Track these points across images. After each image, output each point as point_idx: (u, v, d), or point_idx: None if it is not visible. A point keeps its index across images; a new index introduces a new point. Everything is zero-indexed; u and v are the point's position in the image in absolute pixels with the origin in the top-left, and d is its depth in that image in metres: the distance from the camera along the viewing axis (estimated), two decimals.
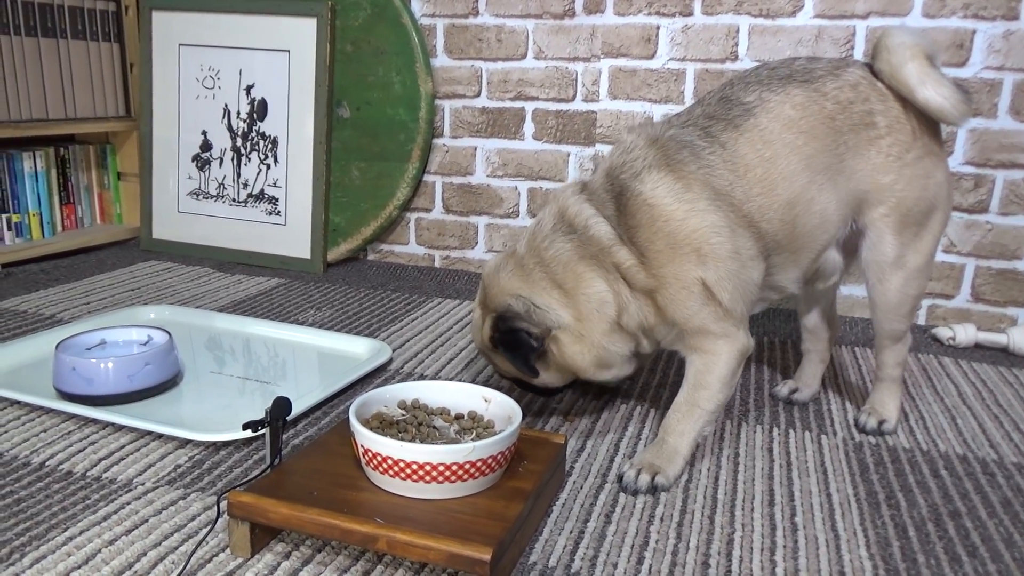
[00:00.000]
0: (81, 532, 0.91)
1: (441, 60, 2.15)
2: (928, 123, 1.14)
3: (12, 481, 1.02)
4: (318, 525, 0.83)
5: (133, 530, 0.92)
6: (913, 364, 1.58)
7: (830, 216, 1.12)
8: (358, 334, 1.64)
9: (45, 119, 2.22)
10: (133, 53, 2.40)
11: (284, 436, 1.16)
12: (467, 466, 0.88)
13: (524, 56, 2.07)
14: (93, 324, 1.57)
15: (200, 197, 2.31)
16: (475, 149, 2.18)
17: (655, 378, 1.46)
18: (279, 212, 2.22)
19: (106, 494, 0.99)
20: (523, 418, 0.98)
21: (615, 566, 0.89)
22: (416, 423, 1.00)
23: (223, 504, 0.96)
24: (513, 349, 1.10)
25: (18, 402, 1.24)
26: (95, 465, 1.06)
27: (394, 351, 1.56)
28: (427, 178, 2.24)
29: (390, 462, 0.87)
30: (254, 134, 2.22)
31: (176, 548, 0.89)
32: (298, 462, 0.96)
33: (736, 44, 1.88)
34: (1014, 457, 1.19)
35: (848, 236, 1.18)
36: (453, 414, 1.04)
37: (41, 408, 1.23)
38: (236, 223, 2.27)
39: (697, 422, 1.10)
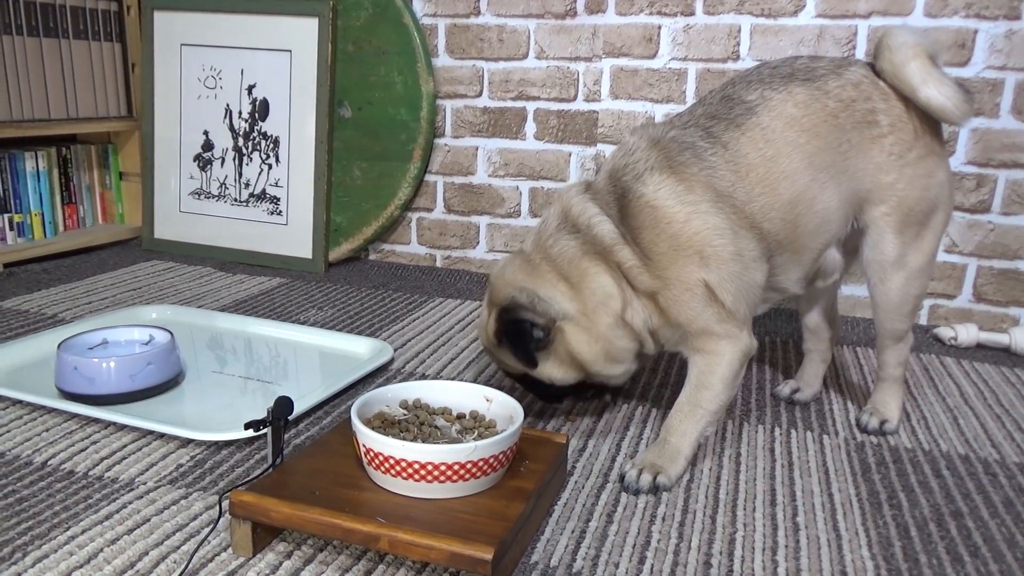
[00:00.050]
0: (83, 531, 0.91)
1: (442, 60, 2.15)
2: (930, 123, 1.14)
3: (14, 480, 1.02)
4: (320, 524, 0.83)
5: (135, 529, 0.92)
6: (915, 364, 1.58)
7: (832, 215, 1.12)
8: (359, 334, 1.65)
9: (47, 119, 2.22)
10: (135, 53, 2.40)
11: (286, 436, 1.17)
12: (469, 466, 0.88)
13: (526, 56, 2.07)
14: (95, 324, 1.57)
15: (202, 197, 2.31)
16: (476, 149, 2.18)
17: (656, 378, 1.46)
18: (281, 212, 2.22)
19: (108, 493, 0.99)
20: (525, 418, 0.98)
21: (617, 566, 0.89)
22: (418, 423, 1.00)
23: (225, 503, 0.96)
24: (515, 339, 1.10)
25: (20, 401, 1.25)
26: (97, 464, 1.07)
27: (395, 351, 1.56)
28: (428, 178, 2.24)
29: (392, 462, 0.87)
30: (256, 134, 2.22)
31: (178, 547, 0.89)
32: (300, 462, 0.96)
33: (738, 44, 1.88)
34: (1016, 457, 1.19)
35: (849, 235, 1.18)
36: (455, 414, 1.04)
37: (43, 407, 1.23)
38: (238, 223, 2.27)
39: (699, 423, 1.10)
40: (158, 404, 1.25)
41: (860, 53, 1.80)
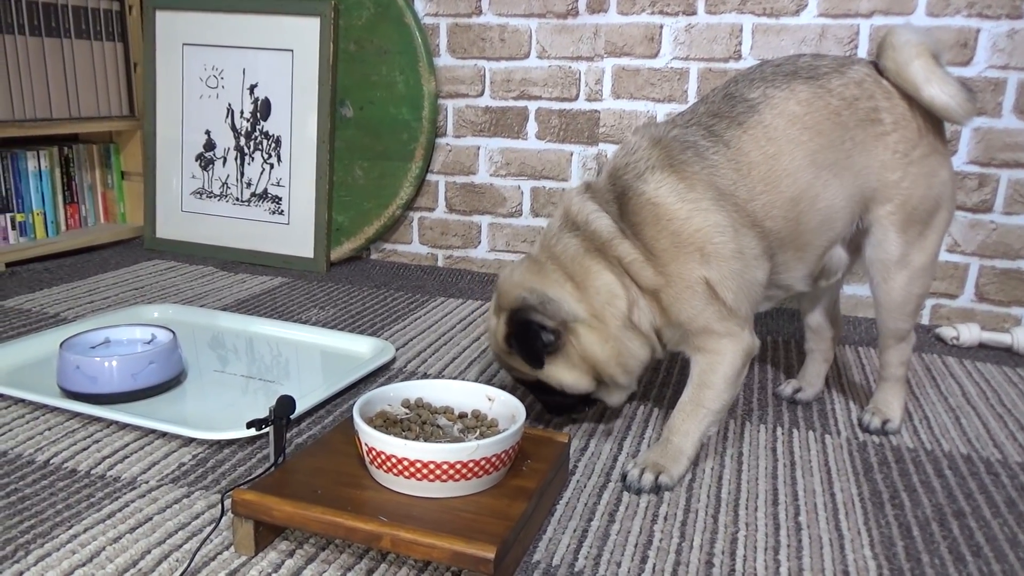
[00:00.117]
0: (85, 530, 0.91)
1: (444, 59, 2.15)
2: (933, 121, 1.14)
3: (17, 479, 1.02)
4: (322, 523, 0.83)
5: (137, 528, 0.92)
6: (917, 364, 1.58)
7: (836, 213, 1.11)
8: (361, 333, 1.65)
9: (49, 118, 2.22)
10: (137, 52, 2.40)
11: (288, 435, 1.17)
12: (471, 465, 0.88)
13: (527, 55, 2.07)
14: (97, 323, 1.57)
15: (204, 196, 2.31)
16: (478, 148, 2.18)
17: (659, 377, 1.46)
18: (282, 211, 2.22)
19: (110, 492, 0.99)
20: (527, 417, 0.98)
21: (619, 565, 0.89)
22: (420, 422, 1.00)
23: (227, 502, 0.96)
24: (524, 340, 1.10)
25: (22, 400, 1.25)
26: (99, 463, 1.07)
27: (397, 350, 1.56)
28: (430, 177, 2.24)
29: (394, 460, 0.87)
30: (257, 133, 2.22)
31: (180, 546, 0.89)
32: (302, 460, 0.96)
33: (740, 43, 1.88)
34: (1018, 457, 1.19)
35: (853, 234, 1.18)
36: (457, 413, 1.04)
37: (45, 406, 1.23)
38: (239, 222, 2.27)
39: (702, 422, 1.09)
40: (160, 403, 1.26)
41: (862, 52, 1.79)
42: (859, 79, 1.12)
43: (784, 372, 1.51)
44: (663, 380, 1.45)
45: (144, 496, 0.99)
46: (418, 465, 0.87)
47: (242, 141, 2.25)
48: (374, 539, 0.82)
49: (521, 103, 2.10)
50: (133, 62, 2.42)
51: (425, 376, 1.44)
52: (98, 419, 1.19)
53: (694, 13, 1.90)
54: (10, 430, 1.15)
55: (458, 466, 0.87)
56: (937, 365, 1.58)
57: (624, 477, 1.06)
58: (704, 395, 1.09)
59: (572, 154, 2.09)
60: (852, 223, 1.15)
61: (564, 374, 1.11)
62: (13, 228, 2.19)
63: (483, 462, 0.88)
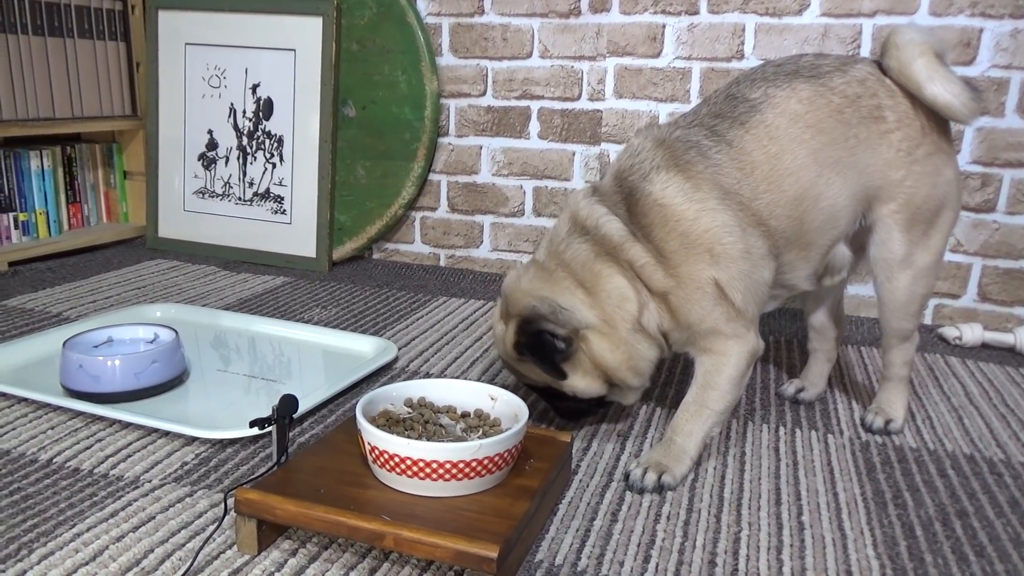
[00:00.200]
0: (88, 529, 0.91)
1: (447, 59, 2.15)
2: (937, 120, 1.14)
3: (20, 478, 1.02)
4: (325, 522, 0.83)
5: (140, 527, 0.92)
6: (920, 364, 1.58)
7: (839, 211, 1.11)
8: (363, 332, 1.65)
9: (52, 118, 2.22)
10: (139, 52, 2.41)
11: (291, 434, 1.17)
12: (473, 464, 0.88)
13: (530, 55, 2.07)
14: (100, 322, 1.58)
15: (206, 196, 2.31)
16: (480, 148, 2.18)
17: (661, 376, 1.46)
18: (285, 211, 2.22)
19: (113, 491, 1.00)
20: (529, 416, 0.98)
21: (621, 564, 0.89)
22: (422, 421, 1.00)
23: (230, 501, 0.96)
24: (539, 351, 1.09)
25: (25, 399, 1.25)
26: (102, 462, 1.07)
27: (400, 349, 1.56)
28: (432, 177, 2.24)
29: (397, 460, 0.87)
30: (260, 133, 2.23)
31: (183, 545, 0.89)
32: (305, 460, 0.96)
33: (742, 43, 1.88)
34: (1021, 457, 1.19)
35: (856, 233, 1.18)
36: (459, 412, 1.04)
37: (48, 405, 1.23)
38: (242, 222, 2.27)
39: (705, 423, 1.09)
40: (163, 402, 1.26)
41: (865, 52, 1.79)
42: (862, 77, 1.12)
43: (787, 372, 1.51)
44: (666, 380, 1.45)
45: (147, 495, 0.99)
46: (421, 464, 0.87)
47: (244, 141, 2.25)
48: (377, 538, 0.82)
49: (523, 103, 2.10)
50: (136, 62, 2.42)
51: (427, 375, 1.44)
52: (101, 418, 1.19)
53: (696, 13, 1.90)
54: (13, 429, 1.16)
55: (461, 465, 0.87)
56: (940, 365, 1.58)
57: (627, 477, 1.06)
58: (708, 396, 1.09)
59: (574, 154, 2.09)
60: (855, 221, 1.15)
61: (576, 380, 1.11)
62: (16, 227, 2.19)
63: (486, 461, 0.88)
